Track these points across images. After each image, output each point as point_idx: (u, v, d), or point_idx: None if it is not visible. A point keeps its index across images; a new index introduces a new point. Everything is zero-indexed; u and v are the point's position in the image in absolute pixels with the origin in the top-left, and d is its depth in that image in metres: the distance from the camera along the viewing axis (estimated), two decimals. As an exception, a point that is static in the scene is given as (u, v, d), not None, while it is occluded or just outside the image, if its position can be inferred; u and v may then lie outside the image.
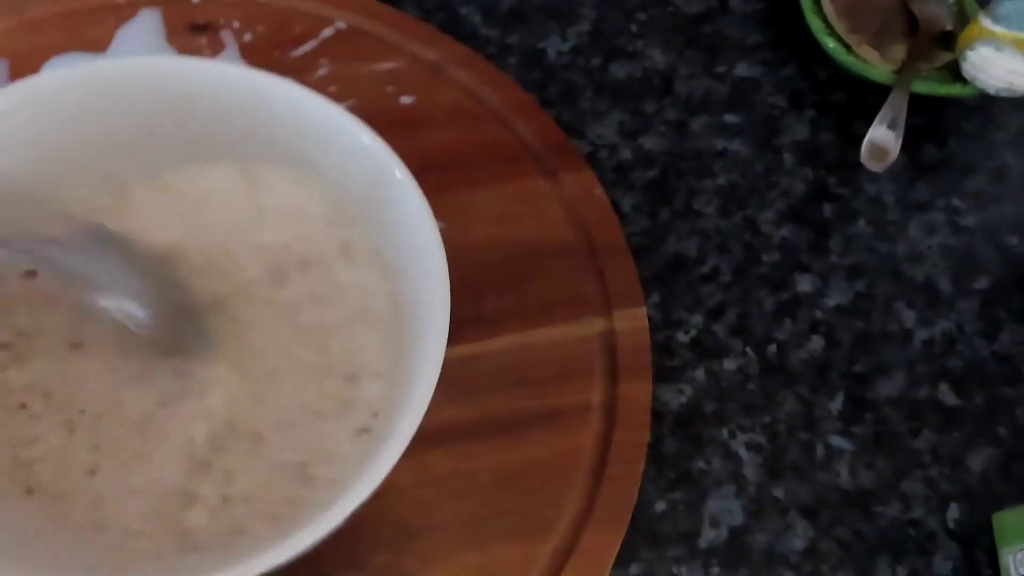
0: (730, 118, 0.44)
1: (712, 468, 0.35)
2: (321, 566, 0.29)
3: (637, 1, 0.47)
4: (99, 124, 0.28)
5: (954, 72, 0.43)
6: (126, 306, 0.26)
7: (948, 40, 0.44)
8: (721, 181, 0.42)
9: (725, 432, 0.36)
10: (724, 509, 0.35)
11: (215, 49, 0.38)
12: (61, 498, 0.26)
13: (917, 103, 0.43)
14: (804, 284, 0.40)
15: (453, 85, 0.40)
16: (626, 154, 0.42)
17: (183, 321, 0.28)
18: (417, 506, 0.31)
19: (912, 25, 0.45)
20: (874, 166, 0.41)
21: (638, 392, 0.34)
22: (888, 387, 0.38)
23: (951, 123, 0.45)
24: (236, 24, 0.39)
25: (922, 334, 0.39)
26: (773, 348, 0.38)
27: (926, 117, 0.44)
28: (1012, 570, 0.33)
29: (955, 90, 0.43)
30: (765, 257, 0.40)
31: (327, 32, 0.39)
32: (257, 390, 0.28)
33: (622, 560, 0.33)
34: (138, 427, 0.27)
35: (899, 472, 0.36)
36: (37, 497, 0.26)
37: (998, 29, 0.41)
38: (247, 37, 0.39)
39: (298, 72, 0.38)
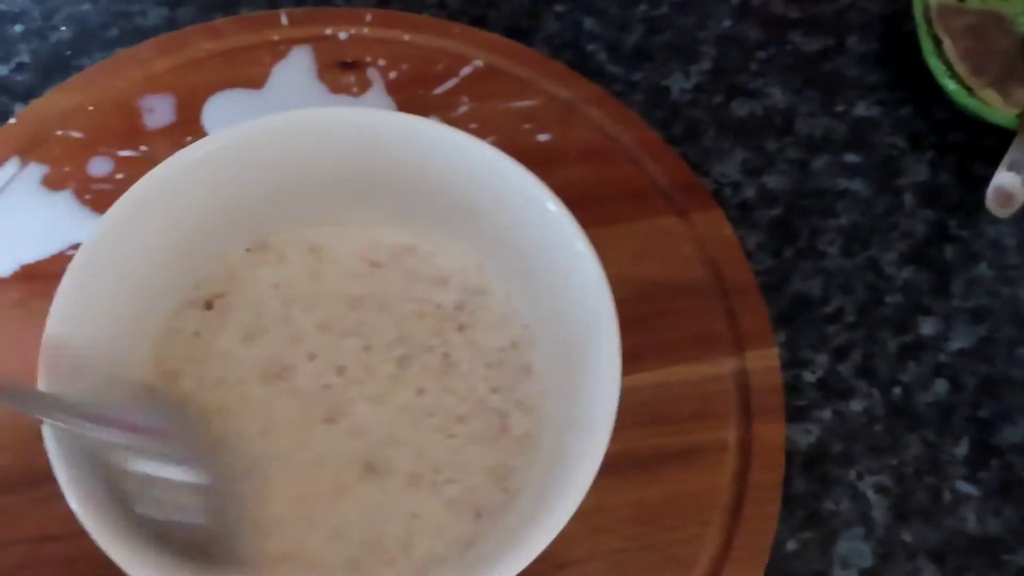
0: (850, 157, 0.44)
1: (841, 509, 0.36)
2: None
3: (757, 39, 0.47)
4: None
5: (1081, 117, 0.43)
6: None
7: (1075, 85, 0.44)
8: (843, 221, 0.42)
9: (853, 473, 0.37)
10: (854, 550, 0.35)
11: (362, 86, 0.40)
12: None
13: (1042, 148, 0.43)
14: (927, 327, 0.40)
15: (586, 123, 0.41)
16: (750, 192, 0.43)
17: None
18: (564, 539, 0.31)
19: (1037, 69, 0.45)
20: (1000, 212, 0.41)
21: (772, 432, 0.35)
22: (1014, 433, 0.38)
23: (1076, 168, 0.44)
24: (382, 62, 0.40)
25: (1047, 380, 0.39)
26: (898, 390, 0.39)
27: (1050, 161, 0.44)
28: None
29: (1082, 135, 0.42)
30: (888, 298, 0.41)
31: (466, 70, 0.41)
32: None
33: (755, 597, 0.33)
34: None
35: (1027, 520, 0.36)
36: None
37: None
38: (392, 75, 0.40)
39: (441, 109, 0.39)
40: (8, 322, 0.34)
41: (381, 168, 0.30)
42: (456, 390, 0.31)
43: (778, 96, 0.46)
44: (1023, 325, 0.40)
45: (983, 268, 0.42)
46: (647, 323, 0.37)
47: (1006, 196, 0.41)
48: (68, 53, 0.43)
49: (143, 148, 0.38)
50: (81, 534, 0.26)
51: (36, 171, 0.37)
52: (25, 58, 0.42)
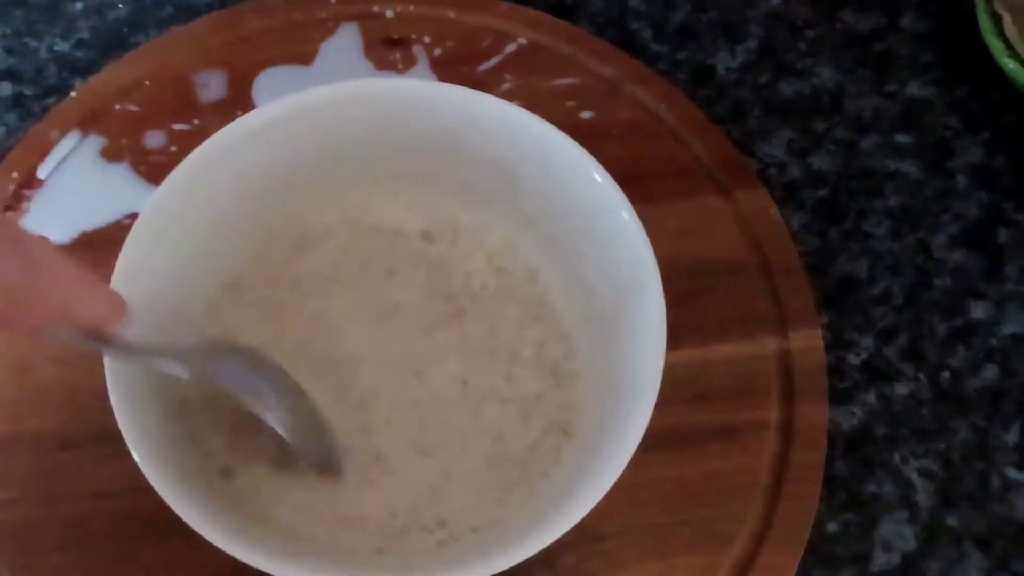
0: (901, 138, 0.43)
1: (884, 492, 0.35)
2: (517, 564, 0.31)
3: (806, 18, 0.47)
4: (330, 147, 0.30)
5: None
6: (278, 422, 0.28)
7: None
8: (892, 202, 0.42)
9: (897, 457, 0.36)
10: (896, 534, 0.35)
11: (407, 63, 0.40)
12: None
13: (1104, 129, 0.42)
14: (978, 311, 0.39)
15: (630, 101, 0.40)
16: (796, 172, 0.42)
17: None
18: (603, 512, 0.32)
19: (1101, 48, 0.43)
20: (1059, 193, 0.40)
21: (815, 413, 0.35)
22: (1067, 421, 0.37)
23: None
24: (427, 39, 0.41)
25: (1103, 368, 0.38)
26: (947, 375, 0.38)
27: (1111, 143, 0.43)
28: None
29: None
30: (938, 281, 0.40)
31: (510, 48, 0.41)
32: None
33: (794, 578, 0.33)
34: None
35: (1079, 509, 0.35)
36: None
37: None
38: (437, 52, 0.41)
39: (485, 86, 0.39)
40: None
41: (426, 139, 0.30)
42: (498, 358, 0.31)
43: (827, 76, 0.45)
44: (1079, 311, 0.39)
45: (1039, 252, 0.41)
46: (689, 301, 0.37)
47: (1064, 178, 0.40)
48: (125, 30, 0.44)
49: (196, 122, 0.38)
50: (133, 491, 0.27)
51: (95, 143, 0.38)
52: (85, 35, 0.44)
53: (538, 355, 0.32)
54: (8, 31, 0.44)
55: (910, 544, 0.34)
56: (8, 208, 0.37)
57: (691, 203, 0.39)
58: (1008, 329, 0.39)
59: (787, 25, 0.46)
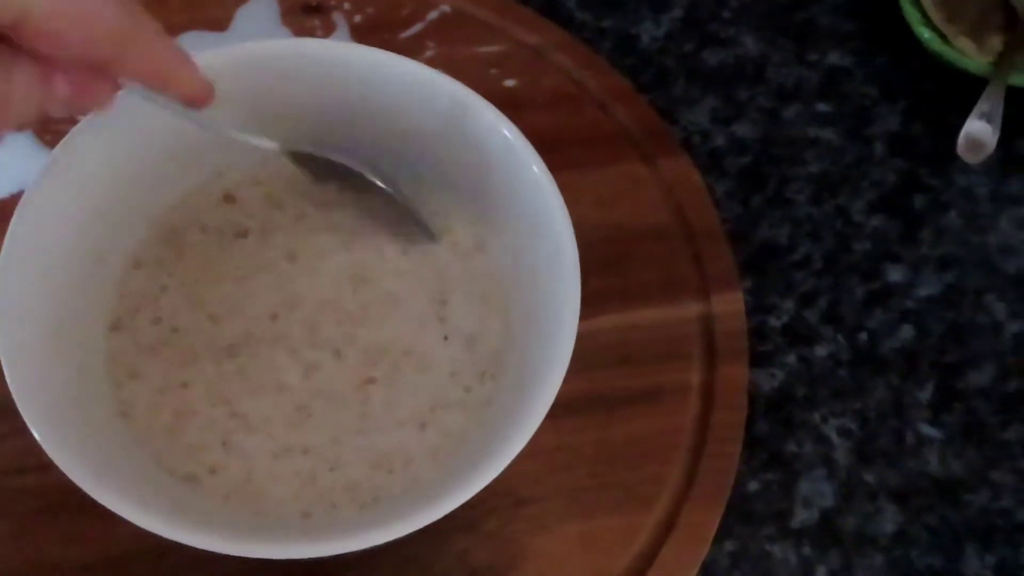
0: (822, 107, 0.44)
1: (804, 451, 0.36)
2: (437, 529, 0.30)
3: (730, -12, 0.47)
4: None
5: (1052, 65, 0.43)
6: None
7: (1047, 33, 0.44)
8: (813, 169, 0.42)
9: (817, 416, 0.37)
10: (816, 491, 0.35)
11: (327, 30, 0.39)
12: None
13: (1013, 96, 0.43)
14: (895, 274, 0.40)
15: (554, 69, 0.40)
16: (719, 140, 0.42)
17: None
18: (526, 476, 0.32)
19: (1011, 17, 0.44)
20: (971, 159, 0.41)
21: (735, 375, 0.35)
22: (978, 378, 0.38)
23: (1047, 117, 0.44)
24: (347, 5, 0.40)
25: (1012, 327, 0.39)
26: (864, 336, 0.39)
27: (1021, 110, 0.44)
28: (1104, 561, 0.33)
29: (1052, 84, 0.42)
30: (856, 246, 0.41)
31: (433, 15, 0.40)
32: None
33: (716, 536, 0.34)
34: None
35: (988, 462, 0.36)
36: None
37: (1101, 23, 0.40)
38: (357, 18, 0.40)
39: (407, 53, 0.38)
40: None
41: (338, 102, 0.30)
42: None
43: (750, 45, 0.45)
44: (990, 273, 0.41)
45: (952, 217, 0.42)
46: (614, 267, 0.37)
47: (976, 144, 0.41)
48: (30, -2, 0.42)
49: (104, 90, 0.37)
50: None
51: (-5, 113, 0.37)
52: (-14, 3, 0.42)
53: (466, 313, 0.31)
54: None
55: (828, 500, 0.35)
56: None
57: (615, 170, 0.39)
58: (923, 291, 0.40)
59: (711, -5, 0.47)
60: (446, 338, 0.30)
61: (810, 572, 0.34)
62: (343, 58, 0.30)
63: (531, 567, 0.31)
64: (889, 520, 0.35)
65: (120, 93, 0.25)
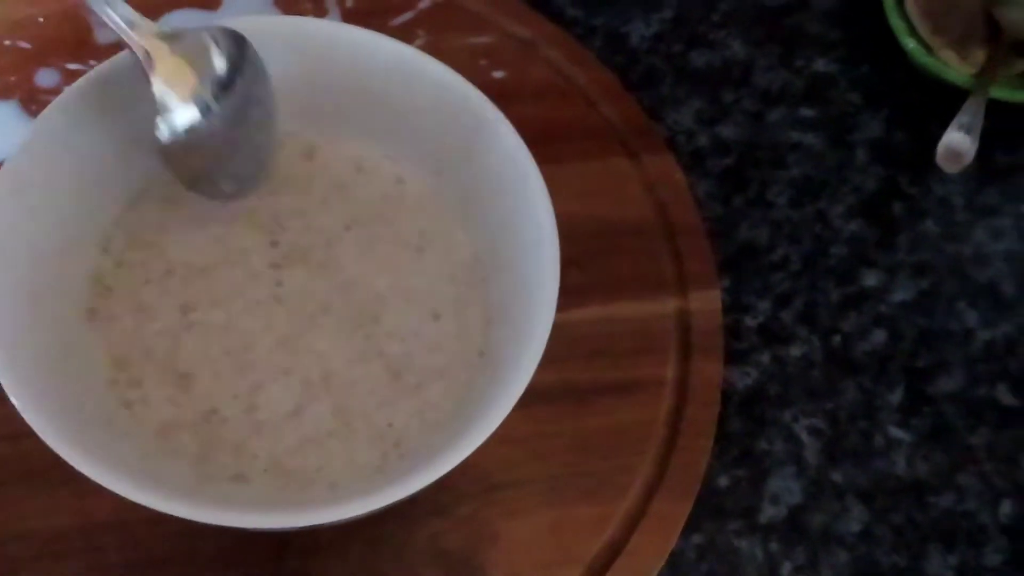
0: (806, 112, 0.45)
1: (774, 449, 0.37)
2: (409, 512, 0.31)
3: (720, -9, 0.47)
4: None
5: (1032, 80, 0.44)
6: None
7: (1028, 48, 0.45)
8: (794, 173, 0.43)
9: (788, 415, 0.37)
10: (784, 488, 0.36)
11: (318, 14, 0.39)
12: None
13: (993, 108, 0.43)
14: (870, 278, 0.41)
15: (543, 62, 0.41)
16: (703, 141, 0.43)
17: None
18: (500, 462, 0.32)
19: (994, 31, 0.45)
20: (949, 168, 0.41)
21: (709, 371, 0.36)
22: (948, 383, 0.39)
23: (1025, 130, 0.45)
24: (339, -10, 0.40)
25: (984, 335, 0.40)
26: (838, 338, 0.39)
27: (1001, 122, 0.45)
28: (1061, 565, 0.34)
29: (1032, 98, 0.43)
30: (834, 250, 0.41)
31: (424, 3, 0.41)
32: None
33: (685, 530, 0.34)
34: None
35: (954, 465, 0.37)
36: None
37: (1080, 40, 0.41)
38: (349, 3, 0.40)
39: None
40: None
41: (321, 79, 0.30)
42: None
43: (737, 48, 0.46)
44: (963, 280, 0.41)
45: (929, 224, 0.43)
46: (594, 260, 0.37)
47: (955, 154, 0.42)
48: (20, -32, 0.42)
49: (92, 62, 0.37)
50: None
51: (-20, 79, 0.37)
52: (-24, -29, 0.42)
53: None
54: None
55: (796, 498, 0.36)
56: None
57: (599, 165, 0.39)
58: (897, 296, 0.41)
59: (702, -3, 0.47)
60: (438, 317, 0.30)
61: (776, 567, 0.35)
62: (330, 36, 0.30)
63: (502, 552, 0.32)
64: (855, 519, 0.36)
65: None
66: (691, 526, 0.34)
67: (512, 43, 0.41)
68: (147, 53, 0.27)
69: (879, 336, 0.40)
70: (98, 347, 0.29)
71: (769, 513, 0.35)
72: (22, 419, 0.24)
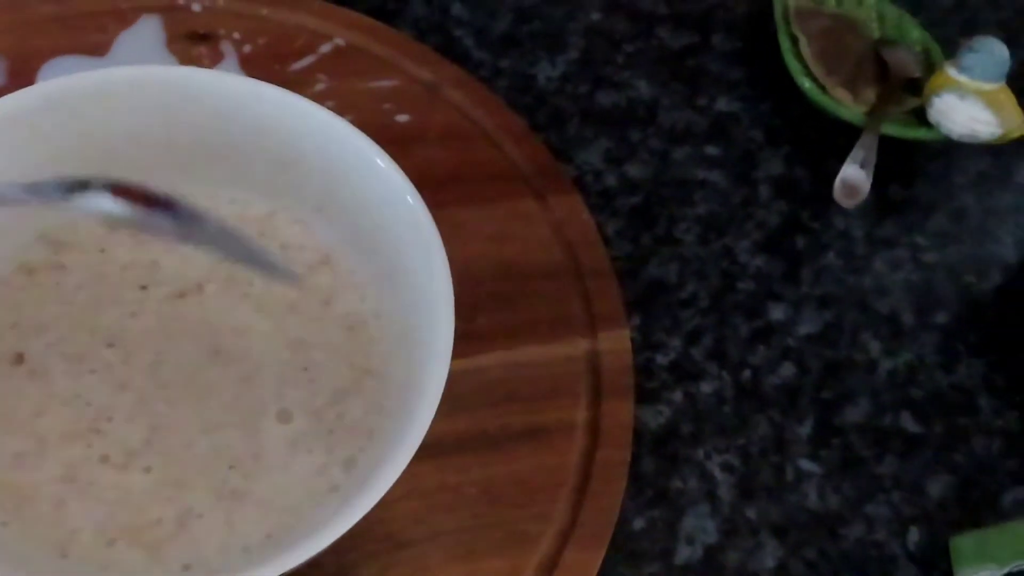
0: (710, 150, 0.46)
1: (688, 487, 0.37)
2: None
3: (624, 33, 0.48)
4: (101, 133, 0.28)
5: (921, 117, 0.45)
6: None
7: (916, 86, 0.47)
8: (701, 210, 0.44)
9: (701, 453, 0.37)
10: (699, 527, 0.36)
11: (214, 59, 0.38)
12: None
13: (886, 145, 0.45)
14: (777, 312, 0.42)
15: (447, 105, 0.40)
16: (611, 180, 0.43)
17: None
18: (406, 518, 0.31)
19: (883, 71, 0.47)
20: (846, 203, 0.43)
21: (621, 412, 0.35)
22: (854, 413, 0.40)
23: (917, 165, 0.47)
24: (236, 35, 0.39)
25: (886, 364, 0.41)
26: (747, 373, 0.40)
27: (894, 158, 0.46)
28: (967, 591, 0.34)
29: (921, 134, 0.45)
30: (741, 285, 0.42)
31: (325, 48, 0.40)
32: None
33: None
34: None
35: (863, 495, 0.38)
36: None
37: (962, 79, 0.43)
38: (247, 48, 0.39)
39: (296, 86, 0.38)
40: None
41: (206, 130, 0.29)
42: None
43: (643, 89, 0.47)
44: (866, 312, 0.42)
45: (831, 257, 0.44)
46: (502, 303, 0.37)
47: (851, 189, 0.43)
48: None
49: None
50: None
51: None
52: None
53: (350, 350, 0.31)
54: None
55: (712, 537, 0.36)
56: None
57: (506, 207, 0.39)
58: (803, 329, 0.41)
59: (606, 39, 0.48)
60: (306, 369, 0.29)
61: (693, 609, 0.34)
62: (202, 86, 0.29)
63: (411, 612, 0.30)
64: (769, 555, 0.36)
65: None
66: (607, 571, 0.34)
67: (416, 86, 0.41)
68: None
69: (787, 369, 0.40)
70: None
71: (685, 554, 0.35)
72: None
